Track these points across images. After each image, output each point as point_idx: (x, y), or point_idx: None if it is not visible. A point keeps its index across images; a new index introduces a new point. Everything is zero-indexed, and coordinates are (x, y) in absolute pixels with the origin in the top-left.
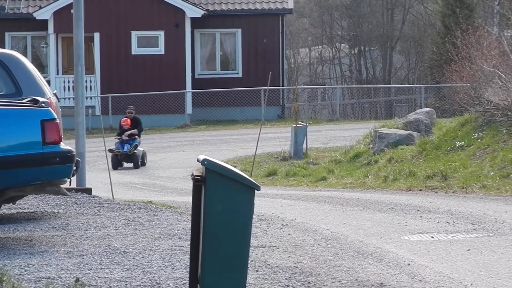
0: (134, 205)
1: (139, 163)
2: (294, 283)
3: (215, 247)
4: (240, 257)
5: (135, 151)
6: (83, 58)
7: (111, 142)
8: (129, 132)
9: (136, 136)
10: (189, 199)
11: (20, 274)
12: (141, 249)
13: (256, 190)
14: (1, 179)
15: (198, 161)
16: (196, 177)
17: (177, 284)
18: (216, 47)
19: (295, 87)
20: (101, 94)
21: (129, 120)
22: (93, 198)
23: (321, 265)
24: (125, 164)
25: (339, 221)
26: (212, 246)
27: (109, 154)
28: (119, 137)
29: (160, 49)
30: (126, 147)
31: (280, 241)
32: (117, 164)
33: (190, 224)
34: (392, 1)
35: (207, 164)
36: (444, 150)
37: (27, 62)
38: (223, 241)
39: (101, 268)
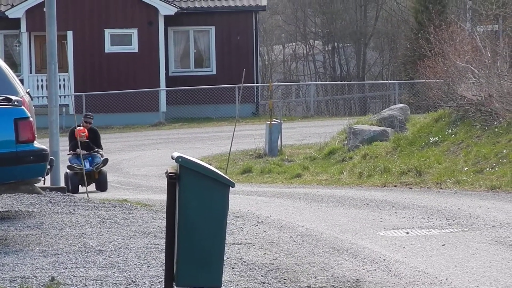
0: (109, 203)
1: (106, 185)
2: (270, 279)
3: (190, 244)
4: (215, 254)
5: (102, 168)
6: (56, 56)
7: None
8: (99, 151)
9: (98, 153)
10: (164, 197)
11: None
12: (117, 247)
13: (230, 187)
14: None
15: (172, 158)
16: (170, 174)
17: (153, 282)
18: (189, 44)
19: (269, 84)
20: (74, 92)
21: (86, 131)
22: (67, 197)
23: (297, 261)
24: (82, 187)
25: (315, 217)
26: (187, 243)
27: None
28: (73, 151)
29: (134, 47)
30: (88, 164)
31: (256, 238)
32: (77, 185)
33: (165, 221)
34: None
35: (182, 161)
36: (419, 146)
37: None
38: (198, 238)
39: (77, 267)
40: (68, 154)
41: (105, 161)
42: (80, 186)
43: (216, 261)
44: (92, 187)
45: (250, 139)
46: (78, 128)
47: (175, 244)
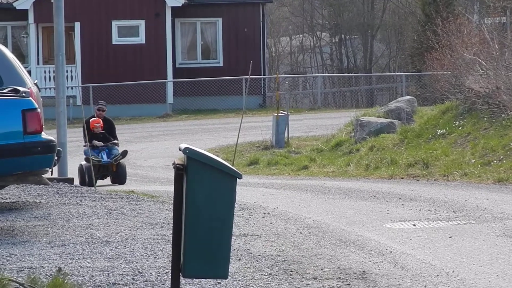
0: (116, 194)
1: (125, 178)
2: (277, 271)
3: (197, 236)
4: (222, 246)
5: (121, 161)
6: (63, 47)
7: None
8: (113, 141)
9: (115, 144)
10: (171, 188)
11: (2, 264)
12: (123, 238)
13: (238, 179)
14: None
15: (179, 149)
16: (178, 165)
17: (159, 273)
18: (197, 36)
19: (276, 76)
20: (82, 84)
21: (101, 122)
22: (75, 188)
23: (303, 253)
24: (100, 181)
25: (321, 209)
26: (194, 234)
27: (80, 167)
28: (89, 143)
29: (141, 39)
30: (105, 156)
31: (263, 229)
32: (95, 177)
33: (172, 213)
34: None
35: (189, 153)
36: (426, 138)
37: (7, 52)
38: (205, 229)
39: (84, 258)
40: (84, 146)
41: (124, 153)
42: (98, 179)
43: (223, 252)
44: (107, 181)
45: (257, 131)
46: (92, 119)
47: (182, 235)
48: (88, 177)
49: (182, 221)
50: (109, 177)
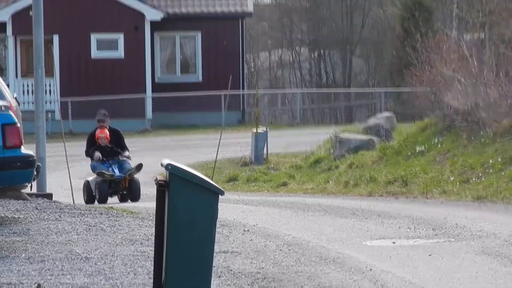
0: (95, 210)
1: (139, 194)
2: None
3: (179, 252)
4: (204, 262)
5: (135, 176)
6: (43, 60)
7: (72, 147)
8: (126, 154)
9: (127, 157)
10: (150, 204)
11: None
12: (103, 254)
13: (220, 195)
14: None
15: (162, 165)
16: (160, 182)
17: None
18: (176, 50)
19: (255, 91)
20: (60, 98)
21: (107, 132)
22: (53, 203)
23: (283, 270)
24: (110, 198)
25: (301, 226)
26: (176, 251)
27: (84, 183)
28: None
29: (120, 53)
30: (117, 170)
31: (242, 246)
32: (107, 194)
33: (153, 229)
34: (351, 4)
35: (171, 169)
36: (405, 155)
37: None
38: (187, 246)
39: (63, 274)
40: (92, 161)
41: (139, 166)
42: (109, 196)
43: (204, 269)
44: (115, 198)
45: (236, 147)
46: (98, 130)
47: (163, 252)
48: (98, 194)
49: (164, 238)
50: (117, 195)
